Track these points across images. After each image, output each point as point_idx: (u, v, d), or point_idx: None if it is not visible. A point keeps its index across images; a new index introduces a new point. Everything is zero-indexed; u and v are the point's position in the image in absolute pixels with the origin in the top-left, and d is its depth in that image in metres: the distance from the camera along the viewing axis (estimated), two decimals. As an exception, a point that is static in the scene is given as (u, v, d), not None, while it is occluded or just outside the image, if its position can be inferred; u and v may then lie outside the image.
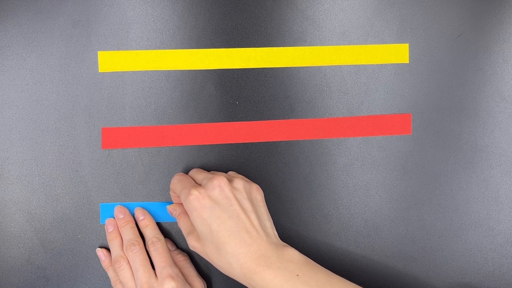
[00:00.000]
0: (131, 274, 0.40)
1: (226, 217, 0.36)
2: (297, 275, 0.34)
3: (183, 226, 0.40)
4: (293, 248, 0.36)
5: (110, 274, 0.41)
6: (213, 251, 0.36)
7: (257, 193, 0.39)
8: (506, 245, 0.45)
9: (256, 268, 0.34)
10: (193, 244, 0.38)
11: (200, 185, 0.39)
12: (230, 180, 0.38)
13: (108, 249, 0.42)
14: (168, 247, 0.41)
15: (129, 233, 0.41)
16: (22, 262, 0.43)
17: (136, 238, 0.41)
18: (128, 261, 0.40)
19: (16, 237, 0.43)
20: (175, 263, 0.41)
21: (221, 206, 0.36)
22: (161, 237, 0.41)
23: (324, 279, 0.35)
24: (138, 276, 0.39)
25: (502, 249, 0.45)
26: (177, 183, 0.40)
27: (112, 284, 0.41)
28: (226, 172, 0.42)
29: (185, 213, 0.40)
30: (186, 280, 0.40)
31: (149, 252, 0.40)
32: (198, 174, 0.40)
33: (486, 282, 0.45)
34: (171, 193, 0.42)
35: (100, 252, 0.42)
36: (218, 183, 0.37)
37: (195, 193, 0.37)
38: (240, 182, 0.38)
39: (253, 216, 0.37)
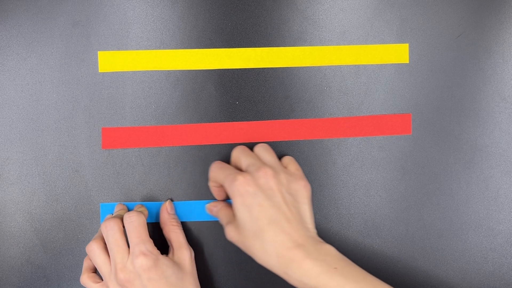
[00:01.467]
0: (105, 258, 0.38)
1: (268, 206, 0.36)
2: (335, 268, 0.35)
3: (223, 216, 0.40)
4: (332, 246, 0.37)
5: (84, 266, 0.41)
6: (250, 239, 0.36)
7: (304, 190, 0.39)
8: (506, 245, 0.45)
9: (294, 256, 0.35)
10: (231, 233, 0.38)
11: (244, 171, 0.39)
12: (277, 173, 0.38)
13: None
14: (145, 221, 0.39)
15: (116, 214, 0.40)
16: (22, 262, 0.43)
17: (120, 219, 0.39)
18: (100, 246, 0.39)
19: (16, 237, 0.43)
20: (164, 227, 0.41)
21: (265, 195, 0.36)
22: (143, 209, 0.41)
23: (360, 276, 0.35)
24: (112, 256, 0.37)
25: (502, 249, 0.45)
26: (219, 170, 0.40)
27: (81, 276, 0.40)
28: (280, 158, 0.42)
29: (226, 206, 0.41)
30: (172, 246, 0.40)
31: (124, 227, 0.39)
32: (244, 157, 0.40)
33: (486, 282, 0.45)
34: (210, 183, 0.42)
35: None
36: (265, 174, 0.37)
37: (240, 178, 0.37)
38: (286, 178, 0.38)
39: (294, 210, 0.37)
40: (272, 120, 0.44)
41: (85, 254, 0.43)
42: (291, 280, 0.35)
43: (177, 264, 0.39)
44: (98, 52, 0.42)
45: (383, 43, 0.44)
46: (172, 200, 0.43)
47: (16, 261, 0.43)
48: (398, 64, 0.44)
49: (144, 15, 0.42)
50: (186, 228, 0.43)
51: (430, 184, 0.44)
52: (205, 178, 0.43)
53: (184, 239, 0.41)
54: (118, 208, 0.42)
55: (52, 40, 0.42)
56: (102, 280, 0.39)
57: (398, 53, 0.44)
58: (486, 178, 0.45)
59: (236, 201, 0.37)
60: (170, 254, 0.40)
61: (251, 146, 0.43)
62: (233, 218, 0.39)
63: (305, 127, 0.44)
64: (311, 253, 0.35)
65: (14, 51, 0.42)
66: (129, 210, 0.42)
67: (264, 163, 0.39)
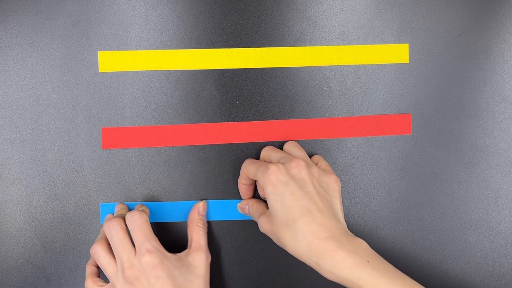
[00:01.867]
0: (109, 258, 0.38)
1: (300, 195, 0.36)
2: (368, 261, 0.34)
3: (255, 211, 0.40)
4: (363, 240, 0.36)
5: (87, 271, 0.40)
6: (281, 229, 0.36)
7: (335, 184, 0.39)
8: (506, 245, 0.45)
9: (326, 247, 0.34)
10: (263, 225, 0.38)
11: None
12: (309, 165, 0.38)
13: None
14: (148, 219, 0.39)
15: (117, 214, 0.40)
16: (22, 262, 0.43)
17: (122, 217, 0.39)
18: (104, 247, 0.38)
19: (16, 237, 0.43)
20: (190, 225, 0.41)
21: (297, 184, 0.36)
22: (144, 208, 0.41)
23: (392, 271, 0.35)
24: (118, 255, 0.37)
25: (502, 249, 0.45)
26: (251, 164, 0.40)
27: (86, 282, 0.40)
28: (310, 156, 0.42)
29: (257, 201, 0.41)
30: (191, 246, 0.40)
31: (128, 226, 0.38)
32: (274, 153, 0.40)
33: (486, 282, 0.45)
34: (240, 180, 0.41)
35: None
36: (297, 164, 0.37)
37: (273, 167, 0.37)
38: (317, 171, 0.38)
39: (325, 202, 0.37)
40: (272, 120, 0.44)
41: (85, 254, 0.43)
42: (322, 271, 0.35)
43: (187, 265, 0.38)
44: (98, 52, 0.42)
45: (383, 43, 0.44)
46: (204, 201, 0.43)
47: (16, 261, 0.43)
48: (398, 64, 0.44)
49: (144, 15, 0.42)
50: (185, 228, 0.43)
51: (430, 184, 0.44)
52: (205, 178, 0.43)
53: (204, 243, 0.40)
54: (118, 208, 0.42)
55: (52, 40, 0.42)
56: (107, 283, 0.39)
57: (398, 53, 0.44)
58: (486, 178, 0.45)
59: (268, 190, 0.37)
60: (183, 253, 0.40)
61: (251, 146, 0.43)
62: (265, 210, 0.39)
63: (305, 127, 0.44)
64: (344, 245, 0.34)
65: (14, 51, 0.42)
66: (129, 210, 0.42)
67: (294, 156, 0.39)
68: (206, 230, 0.42)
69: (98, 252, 0.38)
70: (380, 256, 0.36)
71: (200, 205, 0.42)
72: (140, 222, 0.38)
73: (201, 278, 0.38)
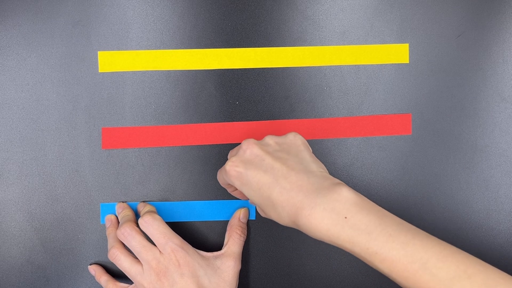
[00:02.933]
0: (131, 259, 0.38)
1: (261, 173, 0.34)
2: (345, 218, 0.31)
3: (255, 206, 0.40)
4: (344, 186, 0.33)
5: (103, 283, 0.41)
6: (267, 210, 0.35)
7: (295, 139, 0.37)
8: (506, 245, 0.45)
9: (301, 212, 0.32)
10: (260, 213, 0.37)
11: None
12: (260, 140, 0.37)
13: (97, 264, 0.43)
14: (160, 218, 0.39)
15: (124, 219, 0.40)
16: (22, 262, 0.43)
17: (131, 221, 0.40)
18: (122, 250, 0.38)
19: (16, 237, 0.43)
20: (229, 230, 0.41)
21: (254, 165, 0.35)
22: (149, 207, 0.41)
23: (374, 223, 0.31)
24: (142, 257, 0.37)
25: (502, 249, 0.45)
26: (218, 174, 0.39)
27: None
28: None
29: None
30: (225, 250, 0.40)
31: (144, 231, 0.38)
32: (232, 151, 0.39)
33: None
34: (228, 190, 0.41)
35: (91, 269, 0.42)
36: (247, 146, 0.36)
37: (228, 164, 0.36)
38: (270, 137, 0.37)
39: (290, 162, 0.35)
40: (272, 120, 0.44)
41: (85, 254, 0.43)
42: (310, 236, 0.33)
43: (214, 268, 0.38)
44: (98, 52, 0.42)
45: (383, 43, 0.44)
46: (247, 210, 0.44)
47: (16, 261, 0.43)
48: (398, 64, 0.44)
49: (144, 15, 0.42)
50: (186, 228, 0.44)
51: (430, 184, 0.44)
52: (205, 178, 0.43)
53: (238, 250, 0.40)
54: (119, 208, 0.42)
55: (52, 40, 0.42)
56: (129, 284, 0.39)
57: (398, 53, 0.44)
58: (486, 178, 0.45)
59: (237, 185, 0.36)
60: (213, 255, 0.40)
61: (251, 146, 0.43)
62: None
63: (305, 127, 0.44)
64: (318, 204, 0.32)
65: (14, 51, 0.42)
66: (131, 209, 0.42)
67: (247, 140, 0.37)
68: (244, 238, 0.42)
69: (118, 256, 0.38)
70: (363, 204, 0.33)
71: (242, 212, 0.43)
72: (156, 225, 0.38)
73: (227, 284, 0.38)
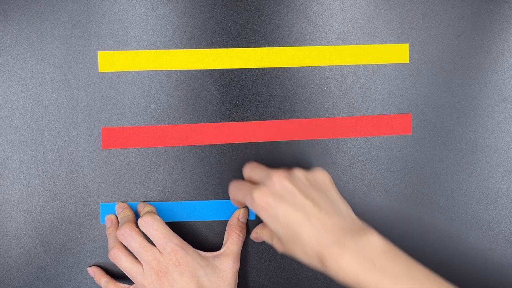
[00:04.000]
0: (132, 260, 0.38)
1: (292, 209, 0.34)
2: (374, 262, 0.32)
3: (265, 236, 0.40)
4: (374, 232, 0.34)
5: (103, 284, 0.41)
6: (292, 246, 0.35)
7: (323, 177, 0.37)
8: (506, 245, 0.45)
9: (330, 254, 0.33)
10: (276, 247, 0.37)
11: (259, 184, 0.38)
12: (290, 173, 0.37)
13: (96, 265, 0.43)
14: (160, 218, 0.39)
15: (124, 219, 0.40)
16: (22, 262, 0.43)
17: (131, 221, 0.40)
18: (123, 251, 0.39)
19: (16, 237, 0.43)
20: (228, 230, 0.42)
21: (285, 200, 0.35)
22: (149, 207, 0.41)
23: (401, 270, 0.32)
24: (143, 258, 0.37)
25: (502, 249, 0.45)
26: (237, 191, 0.39)
27: None
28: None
29: (263, 225, 0.41)
30: (223, 250, 0.40)
31: (144, 232, 0.39)
32: (254, 173, 0.39)
33: (486, 282, 0.45)
34: (233, 203, 0.41)
35: (90, 271, 0.42)
36: (277, 178, 0.36)
37: (257, 193, 0.35)
38: (299, 172, 0.37)
39: (321, 203, 0.35)
40: (272, 120, 0.44)
41: (85, 254, 0.43)
42: (336, 278, 0.34)
43: (213, 267, 0.39)
44: (98, 52, 0.42)
45: (383, 43, 0.44)
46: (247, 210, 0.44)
47: (16, 261, 0.43)
48: (398, 64, 0.44)
49: (144, 15, 0.42)
50: (186, 228, 0.44)
51: (430, 184, 0.44)
52: (205, 178, 0.43)
53: (237, 250, 0.41)
54: (119, 209, 0.42)
55: (52, 40, 0.42)
56: (130, 284, 0.40)
57: (398, 53, 0.44)
58: (486, 178, 0.45)
59: (262, 216, 0.36)
60: (212, 255, 0.40)
61: (251, 146, 0.43)
62: (272, 232, 0.38)
63: (305, 127, 0.44)
64: (348, 247, 0.33)
65: (14, 51, 0.42)
66: (131, 209, 0.42)
67: (272, 172, 0.37)
68: (243, 238, 0.42)
69: (119, 256, 0.38)
70: (391, 252, 0.33)
71: (241, 212, 0.43)
72: (156, 225, 0.38)
73: (226, 283, 0.38)
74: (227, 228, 0.42)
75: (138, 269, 0.38)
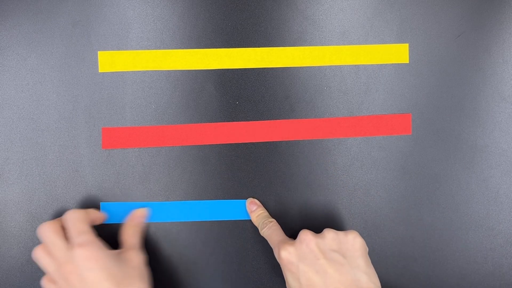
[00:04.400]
0: (49, 260, 0.38)
1: (313, 272, 0.36)
2: None
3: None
4: None
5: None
6: None
7: (354, 241, 0.37)
8: (506, 245, 0.45)
9: None
10: None
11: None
12: (319, 234, 0.38)
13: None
14: (84, 215, 0.39)
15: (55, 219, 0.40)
16: (22, 262, 0.43)
17: (52, 220, 0.40)
18: (45, 249, 0.38)
19: (16, 237, 0.43)
20: (124, 226, 0.42)
21: (308, 261, 0.36)
22: (140, 212, 0.42)
23: None
24: (53, 254, 0.37)
25: (502, 249, 0.45)
26: (272, 233, 0.40)
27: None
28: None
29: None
30: (124, 246, 0.40)
31: (64, 225, 0.39)
32: (265, 227, 0.41)
33: (486, 282, 0.45)
34: (257, 225, 0.42)
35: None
36: (304, 237, 0.37)
37: (283, 251, 0.37)
38: (329, 232, 0.37)
39: (343, 270, 0.36)
40: (272, 120, 0.44)
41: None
42: None
43: (123, 259, 0.39)
44: (98, 52, 0.42)
45: (383, 43, 0.44)
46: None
47: (16, 261, 0.43)
48: (398, 64, 0.44)
49: (144, 15, 0.42)
50: (186, 228, 0.44)
51: (430, 184, 0.44)
52: (205, 178, 0.43)
53: (136, 242, 0.41)
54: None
55: (52, 40, 0.42)
56: None
57: (398, 53, 0.44)
58: (486, 178, 0.45)
59: (284, 270, 0.37)
60: (118, 251, 0.40)
61: (251, 146, 0.43)
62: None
63: (305, 127, 0.44)
64: None
65: (14, 51, 0.42)
66: (129, 210, 0.42)
67: (305, 230, 0.38)
68: (139, 229, 0.42)
69: (38, 254, 0.38)
70: None
71: (137, 212, 0.43)
72: (74, 218, 0.38)
73: (137, 269, 0.39)
74: (124, 227, 0.42)
75: (52, 268, 0.38)
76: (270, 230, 0.41)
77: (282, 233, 0.40)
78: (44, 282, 0.39)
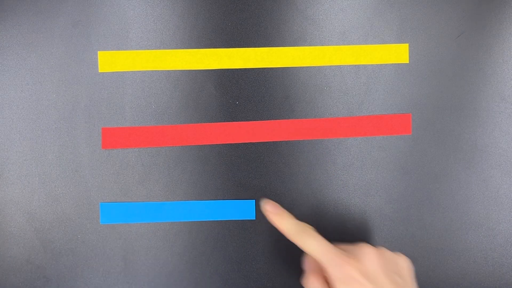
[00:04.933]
0: None
1: None
2: None
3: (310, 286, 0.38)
4: None
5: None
6: None
7: (407, 266, 0.38)
8: (506, 245, 0.45)
9: None
10: None
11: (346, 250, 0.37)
12: (380, 252, 0.37)
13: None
14: None
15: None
16: (22, 262, 0.43)
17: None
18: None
19: (16, 237, 0.43)
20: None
21: (369, 281, 0.35)
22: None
23: None
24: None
25: (502, 249, 0.45)
26: (323, 255, 0.37)
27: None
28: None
29: (316, 272, 0.38)
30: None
31: None
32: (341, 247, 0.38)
33: (486, 282, 0.45)
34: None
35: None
36: (369, 255, 0.36)
37: (347, 267, 0.35)
38: (389, 255, 0.37)
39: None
40: (272, 120, 0.44)
41: (85, 254, 0.43)
42: None
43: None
44: (98, 52, 0.42)
45: (383, 43, 0.44)
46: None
47: (16, 261, 0.43)
48: (398, 64, 0.44)
49: (144, 15, 0.42)
50: (186, 228, 0.44)
51: (430, 184, 0.44)
52: (205, 178, 0.43)
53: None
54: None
55: (52, 40, 0.42)
56: None
57: (398, 53, 0.44)
58: (486, 178, 0.45)
59: (340, 283, 0.35)
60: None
61: (251, 146, 0.43)
62: None
63: (305, 127, 0.44)
64: None
65: (14, 51, 0.42)
66: (130, 210, 0.42)
67: (364, 244, 0.37)
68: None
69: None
70: None
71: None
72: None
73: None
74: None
75: None
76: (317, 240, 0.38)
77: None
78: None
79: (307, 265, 0.40)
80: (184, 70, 0.43)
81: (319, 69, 0.44)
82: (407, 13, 0.44)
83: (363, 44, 0.44)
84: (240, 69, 0.43)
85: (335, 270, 0.35)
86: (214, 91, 0.43)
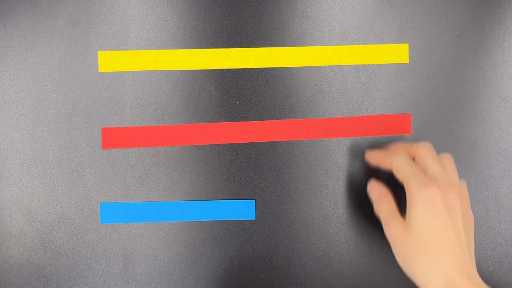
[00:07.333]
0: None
1: (450, 227, 0.35)
2: None
3: (384, 211, 0.38)
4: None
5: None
6: (417, 252, 0.35)
7: (472, 220, 0.38)
8: (506, 245, 0.45)
9: (463, 286, 0.33)
10: (393, 233, 0.36)
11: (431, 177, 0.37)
12: (462, 196, 0.37)
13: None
14: None
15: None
16: (22, 262, 0.43)
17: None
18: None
19: (16, 237, 0.43)
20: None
21: (449, 215, 0.35)
22: None
23: None
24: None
25: (502, 249, 0.45)
26: (407, 166, 0.37)
27: None
28: None
29: (389, 199, 0.39)
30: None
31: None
32: (431, 163, 0.38)
33: (486, 282, 0.45)
34: (381, 161, 0.40)
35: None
36: (454, 193, 0.36)
37: (434, 188, 0.35)
38: (466, 201, 0.38)
39: (466, 236, 0.36)
40: (272, 120, 0.44)
41: (85, 254, 0.43)
42: None
43: None
44: (98, 52, 0.42)
45: (383, 43, 0.44)
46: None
47: (16, 261, 0.43)
48: (398, 64, 0.44)
49: (144, 15, 0.42)
50: (186, 228, 0.44)
51: (430, 184, 0.44)
52: (205, 178, 0.43)
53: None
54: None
55: (52, 40, 0.42)
56: None
57: (398, 53, 0.44)
58: (486, 178, 0.45)
59: (419, 207, 0.35)
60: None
61: (251, 146, 0.43)
62: (398, 216, 0.37)
63: (305, 127, 0.44)
64: (478, 286, 0.34)
65: (14, 51, 0.42)
66: (130, 210, 0.42)
67: (452, 180, 0.37)
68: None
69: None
70: None
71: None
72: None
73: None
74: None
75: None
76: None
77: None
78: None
79: (374, 192, 0.40)
80: (184, 70, 0.43)
81: (319, 69, 0.44)
82: (407, 13, 0.44)
83: (363, 44, 0.44)
84: (240, 69, 0.43)
85: (417, 189, 0.36)
86: (214, 91, 0.43)
